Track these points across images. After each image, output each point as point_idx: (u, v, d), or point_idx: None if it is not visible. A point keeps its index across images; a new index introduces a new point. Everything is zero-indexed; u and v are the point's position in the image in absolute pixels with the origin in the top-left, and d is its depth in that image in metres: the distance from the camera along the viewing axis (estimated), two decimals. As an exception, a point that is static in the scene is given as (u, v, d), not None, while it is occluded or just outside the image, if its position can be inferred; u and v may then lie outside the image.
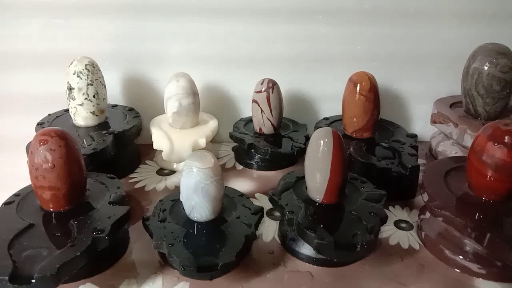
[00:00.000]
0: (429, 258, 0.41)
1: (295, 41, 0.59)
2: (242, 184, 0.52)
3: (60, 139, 0.36)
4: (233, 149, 0.60)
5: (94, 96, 0.50)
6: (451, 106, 0.58)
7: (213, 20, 0.57)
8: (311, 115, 0.63)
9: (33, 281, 0.30)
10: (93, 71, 0.50)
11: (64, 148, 0.36)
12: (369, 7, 0.57)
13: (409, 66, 0.61)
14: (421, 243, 0.42)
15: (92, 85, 0.50)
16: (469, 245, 0.39)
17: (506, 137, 0.36)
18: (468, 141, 0.52)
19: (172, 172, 0.54)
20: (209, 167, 0.37)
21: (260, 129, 0.56)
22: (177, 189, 0.50)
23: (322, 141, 0.37)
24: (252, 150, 0.54)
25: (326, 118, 0.59)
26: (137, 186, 0.51)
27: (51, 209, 0.37)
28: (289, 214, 0.38)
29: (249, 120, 0.59)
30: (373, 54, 0.60)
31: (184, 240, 0.36)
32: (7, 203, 0.39)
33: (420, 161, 0.55)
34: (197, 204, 0.37)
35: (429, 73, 0.62)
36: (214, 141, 0.61)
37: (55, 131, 0.36)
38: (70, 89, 0.50)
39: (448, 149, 0.56)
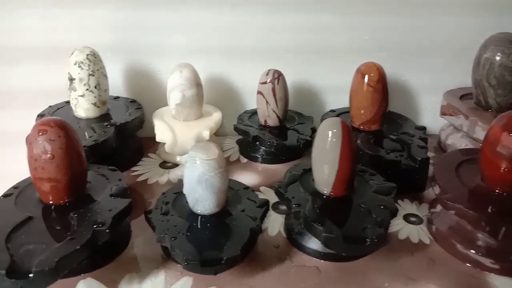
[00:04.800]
0: (440, 252, 0.39)
1: (301, 31, 0.57)
2: (246, 177, 0.51)
3: (60, 129, 0.35)
4: (238, 142, 0.59)
5: (95, 87, 0.49)
6: (461, 97, 0.57)
7: (217, 10, 0.56)
8: (317, 107, 0.61)
9: (31, 275, 0.29)
10: (94, 62, 0.49)
11: (64, 138, 0.35)
12: (378, -4, 0.56)
13: (417, 56, 0.60)
14: (431, 237, 0.41)
15: (93, 75, 0.49)
16: (482, 239, 0.37)
17: (521, 127, 0.35)
18: (479, 133, 0.51)
19: (175, 165, 0.53)
20: (213, 158, 0.35)
21: (265, 121, 0.55)
22: (180, 182, 0.49)
23: (330, 132, 0.36)
24: (257, 143, 0.53)
25: (333, 111, 0.58)
26: (139, 179, 0.50)
27: (51, 202, 0.36)
28: (296, 207, 0.37)
29: (254, 112, 0.58)
30: (381, 44, 0.59)
31: (188, 233, 0.35)
32: (5, 196, 0.38)
33: (429, 154, 0.53)
34: (201, 197, 0.36)
35: (437, 64, 0.60)
36: (217, 134, 0.60)
37: (55, 121, 0.35)
38: (71, 79, 0.49)
39: (458, 142, 0.55)
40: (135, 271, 0.36)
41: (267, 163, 0.54)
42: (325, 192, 0.38)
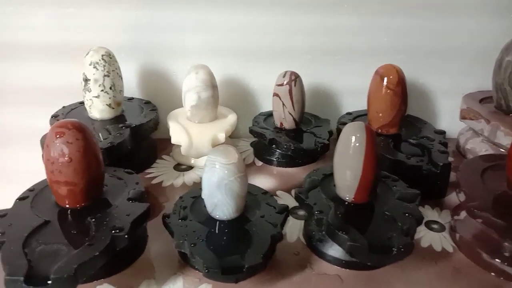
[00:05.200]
0: (464, 261, 0.38)
1: (318, 32, 0.56)
2: (262, 181, 0.50)
3: (78, 132, 0.34)
4: (252, 144, 0.58)
5: (110, 88, 0.48)
6: (480, 101, 0.56)
7: (232, 11, 0.55)
8: (333, 109, 0.60)
9: (49, 282, 0.28)
10: (109, 62, 0.48)
11: (81, 141, 0.34)
12: (396, -3, 0.55)
13: (436, 59, 0.59)
14: (455, 245, 0.40)
15: (108, 76, 0.48)
16: (509, 248, 0.36)
17: (553, 134, 0.34)
18: (501, 138, 0.49)
19: (190, 167, 0.52)
20: (233, 162, 0.35)
21: (281, 123, 0.54)
22: (195, 185, 0.49)
23: (354, 137, 0.35)
24: (273, 146, 0.52)
25: (349, 113, 0.57)
26: (154, 182, 0.49)
27: (67, 206, 0.35)
28: (318, 214, 0.36)
29: (269, 115, 0.57)
30: (399, 46, 0.58)
31: (207, 239, 0.34)
32: (21, 199, 0.37)
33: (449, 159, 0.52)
34: (220, 202, 0.35)
35: (455, 67, 0.59)
36: (232, 136, 0.59)
37: (72, 123, 0.34)
38: (86, 80, 0.48)
39: (478, 147, 0.54)
40: (153, 277, 0.36)
41: (283, 167, 0.53)
42: (347, 198, 0.37)
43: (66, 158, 0.34)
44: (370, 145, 0.35)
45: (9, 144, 0.58)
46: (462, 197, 0.38)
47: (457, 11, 0.56)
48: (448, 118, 0.61)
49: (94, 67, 0.47)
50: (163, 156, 0.55)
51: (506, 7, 0.56)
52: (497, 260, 0.37)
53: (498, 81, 0.52)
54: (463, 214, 0.41)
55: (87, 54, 0.48)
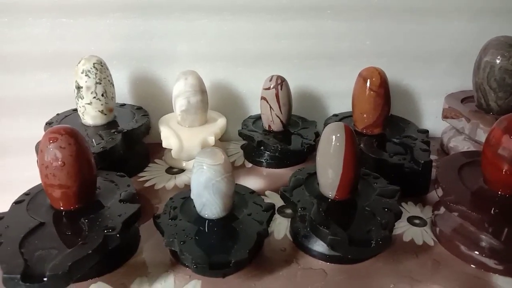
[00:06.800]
0: (444, 254, 0.40)
1: (303, 38, 0.58)
2: (251, 182, 0.52)
3: (70, 137, 0.35)
4: (242, 147, 0.59)
5: (102, 95, 0.50)
6: (462, 101, 0.58)
7: (220, 18, 0.56)
8: (320, 111, 0.62)
9: (45, 279, 0.30)
10: (101, 70, 0.50)
11: (74, 146, 0.35)
12: (378, 2, 0.57)
13: (418, 61, 0.61)
14: (435, 239, 0.42)
15: (100, 83, 0.50)
16: (486, 240, 0.38)
17: (522, 130, 0.36)
18: (481, 135, 0.51)
19: (182, 170, 0.54)
20: (219, 163, 0.36)
21: (269, 126, 0.55)
22: (186, 187, 0.50)
23: (334, 136, 0.37)
24: (262, 148, 0.53)
25: (336, 115, 0.59)
26: (146, 185, 0.51)
27: (62, 208, 0.37)
28: (302, 210, 0.37)
29: (258, 118, 0.59)
30: (382, 50, 0.60)
31: (196, 237, 0.36)
32: (17, 202, 0.38)
33: (432, 157, 0.54)
34: (208, 201, 0.37)
35: (438, 69, 0.61)
36: (222, 139, 0.61)
37: (65, 129, 0.36)
38: (79, 88, 0.50)
39: (460, 145, 0.55)
40: (145, 275, 0.37)
41: (272, 168, 0.55)
42: (330, 195, 0.39)
43: (59, 162, 0.35)
44: (349, 144, 0.37)
45: (6, 152, 0.59)
46: (440, 192, 0.40)
47: (437, 15, 0.58)
48: (432, 118, 0.63)
49: (86, 75, 0.49)
50: (156, 160, 0.56)
51: (482, 10, 0.58)
52: (475, 252, 0.38)
53: (478, 81, 0.54)
54: (442, 209, 0.42)
55: (79, 63, 0.49)
